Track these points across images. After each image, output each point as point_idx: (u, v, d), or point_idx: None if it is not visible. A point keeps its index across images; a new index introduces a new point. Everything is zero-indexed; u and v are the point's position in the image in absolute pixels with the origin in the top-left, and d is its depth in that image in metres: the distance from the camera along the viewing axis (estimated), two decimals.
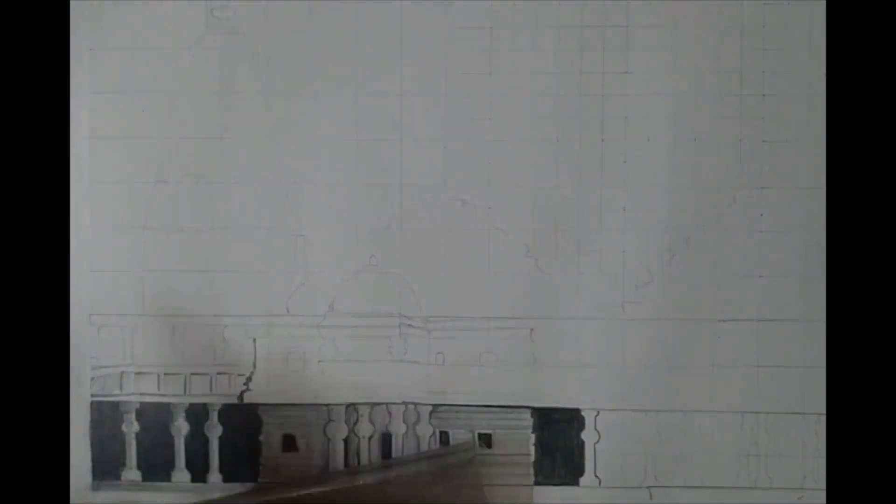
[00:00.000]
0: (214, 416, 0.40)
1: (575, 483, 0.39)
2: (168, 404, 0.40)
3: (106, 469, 0.40)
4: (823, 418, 0.39)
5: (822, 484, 0.38)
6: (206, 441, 0.40)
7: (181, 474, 0.40)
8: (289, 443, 0.40)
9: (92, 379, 0.40)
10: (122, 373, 0.40)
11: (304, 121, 0.40)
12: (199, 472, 0.40)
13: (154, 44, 0.40)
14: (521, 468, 0.39)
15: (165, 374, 0.40)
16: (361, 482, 0.38)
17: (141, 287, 0.40)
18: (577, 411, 0.39)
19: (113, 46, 0.40)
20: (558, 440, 0.39)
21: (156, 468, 0.40)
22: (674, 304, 0.39)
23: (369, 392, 0.40)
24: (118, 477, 0.40)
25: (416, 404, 0.40)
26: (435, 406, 0.40)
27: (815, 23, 0.38)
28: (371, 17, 0.39)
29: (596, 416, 0.39)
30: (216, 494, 0.39)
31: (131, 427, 0.40)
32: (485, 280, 0.39)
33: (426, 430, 0.40)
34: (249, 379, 0.40)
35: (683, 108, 0.39)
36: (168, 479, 0.40)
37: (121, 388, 0.40)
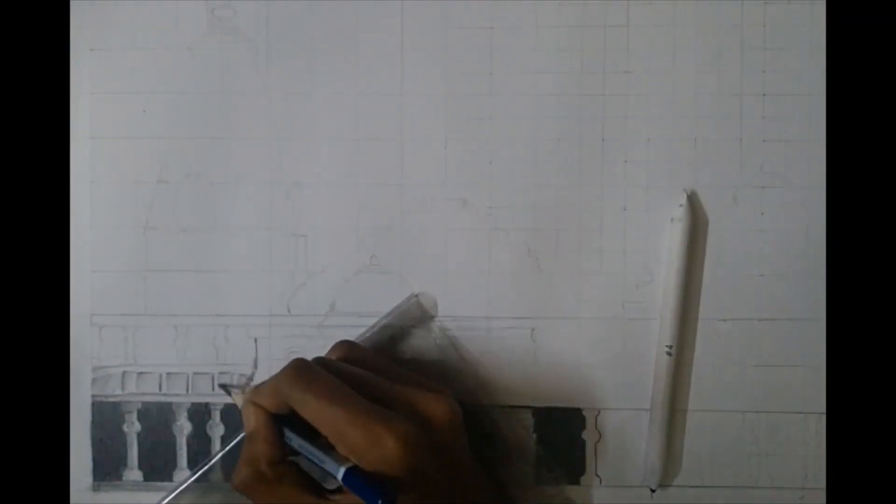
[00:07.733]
0: (217, 416, 0.40)
1: (575, 482, 0.40)
2: (170, 404, 0.40)
3: (107, 469, 0.40)
4: (823, 418, 0.39)
5: (823, 483, 0.38)
6: (209, 441, 0.40)
7: (183, 474, 0.40)
8: None
9: (93, 379, 0.40)
10: (124, 372, 0.40)
11: (304, 121, 0.40)
12: None
13: (154, 44, 0.40)
14: (521, 468, 0.39)
15: (167, 373, 0.40)
16: None
17: (142, 287, 0.40)
18: (577, 411, 0.39)
19: (113, 46, 0.40)
20: (559, 440, 0.40)
21: (157, 468, 0.40)
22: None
23: None
24: (119, 477, 0.40)
25: None
26: None
27: (815, 23, 0.38)
28: (371, 16, 0.39)
29: (596, 415, 0.39)
30: (218, 494, 0.39)
31: (133, 427, 0.40)
32: (485, 280, 0.39)
33: None
34: (251, 379, 0.40)
35: (683, 108, 0.39)
36: (170, 478, 0.40)
37: (122, 388, 0.40)
